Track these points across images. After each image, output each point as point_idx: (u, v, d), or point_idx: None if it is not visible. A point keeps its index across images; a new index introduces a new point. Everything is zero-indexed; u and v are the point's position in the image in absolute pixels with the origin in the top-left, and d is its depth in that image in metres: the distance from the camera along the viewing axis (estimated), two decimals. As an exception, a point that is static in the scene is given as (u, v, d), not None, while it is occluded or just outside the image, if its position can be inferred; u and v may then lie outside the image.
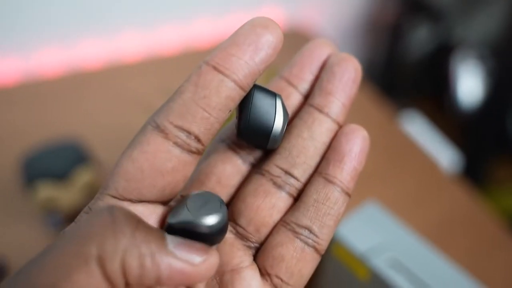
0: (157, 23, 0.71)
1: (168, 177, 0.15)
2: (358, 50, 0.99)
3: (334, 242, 0.32)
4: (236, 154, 0.18)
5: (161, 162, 0.15)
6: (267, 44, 0.16)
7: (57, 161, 0.42)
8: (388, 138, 0.60)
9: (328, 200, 0.17)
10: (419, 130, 1.01)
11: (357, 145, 0.17)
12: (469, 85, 0.99)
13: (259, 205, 0.17)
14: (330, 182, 0.17)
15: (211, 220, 0.15)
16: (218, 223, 0.15)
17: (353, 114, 0.63)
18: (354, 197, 0.52)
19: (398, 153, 0.58)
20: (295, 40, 0.75)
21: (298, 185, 0.17)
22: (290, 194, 0.17)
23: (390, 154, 0.58)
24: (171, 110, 0.15)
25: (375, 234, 0.32)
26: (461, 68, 0.99)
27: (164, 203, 0.16)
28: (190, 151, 0.16)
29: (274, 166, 0.17)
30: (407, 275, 0.30)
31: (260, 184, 0.17)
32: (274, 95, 0.17)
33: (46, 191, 0.41)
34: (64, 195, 0.42)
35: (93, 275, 0.13)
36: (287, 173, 0.17)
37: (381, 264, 0.30)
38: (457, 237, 0.49)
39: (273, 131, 0.17)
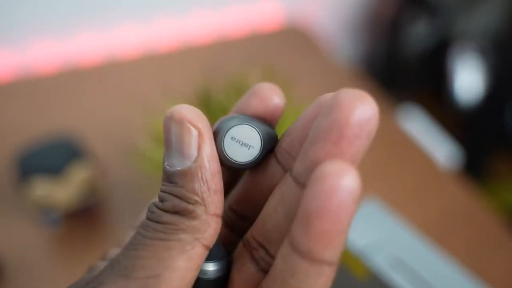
0: (154, 17, 0.70)
1: None
2: (358, 45, 0.98)
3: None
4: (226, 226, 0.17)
5: None
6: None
7: (52, 157, 0.41)
8: (386, 134, 0.59)
9: (296, 273, 0.13)
10: (418, 125, 1.01)
11: (332, 200, 0.12)
12: (469, 79, 0.99)
13: (233, 277, 0.16)
14: (296, 249, 0.13)
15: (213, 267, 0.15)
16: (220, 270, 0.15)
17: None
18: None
19: (397, 149, 0.58)
20: (295, 36, 0.74)
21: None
22: (266, 271, 0.15)
23: (388, 149, 0.57)
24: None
25: (374, 232, 0.32)
26: (460, 62, 0.98)
27: None
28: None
29: (252, 237, 0.15)
30: (406, 273, 0.29)
31: (240, 254, 0.16)
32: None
33: (42, 188, 0.41)
34: (60, 191, 0.42)
35: (192, 258, 0.14)
36: (264, 248, 0.15)
37: (380, 262, 0.30)
38: (456, 233, 0.49)
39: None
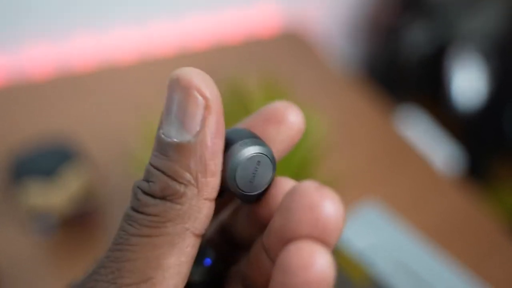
0: (151, 21, 0.70)
1: None
2: (357, 49, 0.98)
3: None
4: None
5: None
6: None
7: (47, 161, 0.41)
8: (386, 138, 0.59)
9: None
10: (418, 129, 1.01)
11: (302, 278, 0.10)
12: (468, 83, 0.99)
13: None
14: None
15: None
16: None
17: (351, 114, 0.62)
18: (351, 198, 0.51)
19: (397, 153, 0.57)
20: (293, 41, 0.74)
21: None
22: None
23: (388, 153, 0.57)
24: None
25: (374, 236, 0.31)
26: (460, 65, 0.98)
27: None
28: None
29: (241, 280, 0.15)
30: (407, 277, 0.29)
31: (234, 280, 0.15)
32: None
33: (36, 192, 0.40)
34: (55, 196, 0.41)
35: (184, 252, 0.12)
36: None
37: (380, 266, 0.29)
38: (456, 237, 0.48)
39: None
